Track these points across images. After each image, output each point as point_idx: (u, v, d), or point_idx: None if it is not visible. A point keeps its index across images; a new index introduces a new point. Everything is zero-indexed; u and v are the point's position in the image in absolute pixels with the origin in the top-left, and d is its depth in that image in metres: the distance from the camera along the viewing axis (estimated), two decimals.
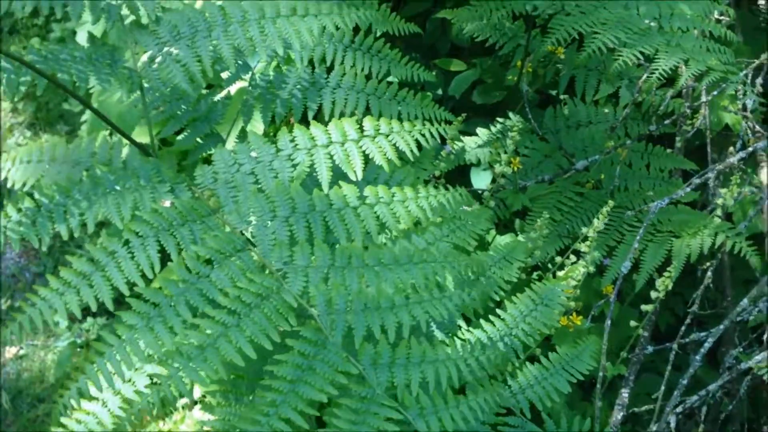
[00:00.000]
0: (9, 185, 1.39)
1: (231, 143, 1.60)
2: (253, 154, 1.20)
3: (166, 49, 1.24)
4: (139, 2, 1.24)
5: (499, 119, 2.03)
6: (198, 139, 1.52)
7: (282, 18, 1.24)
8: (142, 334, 0.97)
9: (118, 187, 1.13)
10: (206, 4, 1.26)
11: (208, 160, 1.50)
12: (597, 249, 1.74)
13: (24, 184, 1.39)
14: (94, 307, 1.01)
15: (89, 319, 2.25)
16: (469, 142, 2.01)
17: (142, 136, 1.91)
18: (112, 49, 1.22)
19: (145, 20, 1.33)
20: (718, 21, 1.84)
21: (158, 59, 1.25)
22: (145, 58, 1.36)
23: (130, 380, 1.21)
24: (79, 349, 2.12)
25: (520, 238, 2.01)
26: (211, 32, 1.23)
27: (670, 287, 1.47)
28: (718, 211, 1.68)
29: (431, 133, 1.28)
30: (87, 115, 2.04)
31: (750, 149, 1.64)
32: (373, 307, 1.02)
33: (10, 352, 2.18)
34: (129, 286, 1.04)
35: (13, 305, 2.24)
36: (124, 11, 1.24)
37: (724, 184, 1.86)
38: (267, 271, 1.06)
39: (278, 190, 1.14)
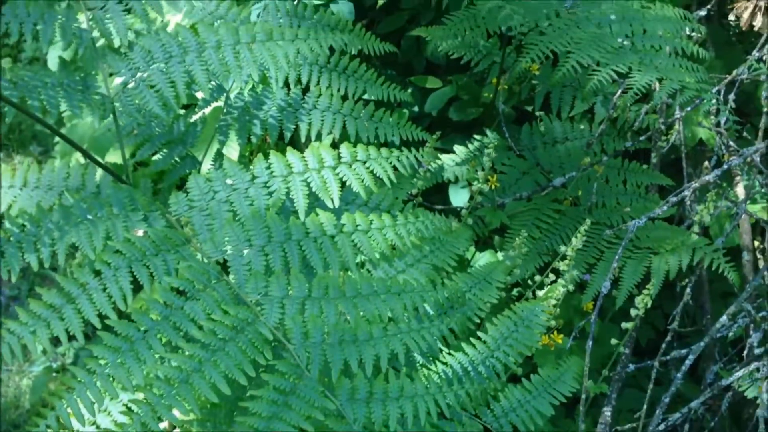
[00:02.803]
0: None
1: (207, 165, 1.58)
2: (229, 181, 1.18)
3: (139, 74, 1.22)
4: (111, 27, 1.23)
5: (476, 136, 2.03)
6: (173, 161, 1.50)
7: (258, 43, 1.23)
8: (113, 368, 0.95)
9: (90, 216, 1.10)
10: (180, 29, 1.25)
11: (182, 183, 1.49)
12: (576, 266, 1.74)
13: None
14: (64, 341, 0.99)
15: (65, 343, 2.20)
16: (446, 159, 2.01)
17: (116, 157, 1.89)
18: (85, 75, 1.20)
19: (117, 44, 1.32)
20: (690, 38, 1.86)
21: (131, 84, 1.23)
22: (117, 81, 1.35)
23: (105, 410, 1.19)
24: (54, 374, 2.08)
25: (499, 255, 2.01)
26: (185, 57, 1.22)
27: (649, 304, 1.48)
28: (696, 228, 1.69)
29: (408, 159, 1.28)
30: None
31: (725, 166, 1.65)
32: (350, 339, 1.00)
33: None
34: (100, 318, 1.02)
35: None
36: (96, 35, 1.22)
37: (700, 199, 1.88)
38: (242, 303, 1.04)
39: (254, 218, 1.13)
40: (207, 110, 1.60)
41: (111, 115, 1.23)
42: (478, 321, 1.48)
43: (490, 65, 2.08)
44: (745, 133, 2.13)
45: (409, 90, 2.25)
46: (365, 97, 1.65)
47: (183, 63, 1.21)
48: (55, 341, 1.02)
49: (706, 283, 2.03)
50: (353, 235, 1.15)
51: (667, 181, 1.95)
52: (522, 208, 1.94)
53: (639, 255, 1.78)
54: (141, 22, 1.29)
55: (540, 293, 1.66)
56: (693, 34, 1.85)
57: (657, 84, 1.79)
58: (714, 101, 1.65)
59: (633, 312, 1.53)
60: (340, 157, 1.24)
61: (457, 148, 2.02)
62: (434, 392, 1.00)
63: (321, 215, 1.16)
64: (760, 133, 1.87)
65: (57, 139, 2.05)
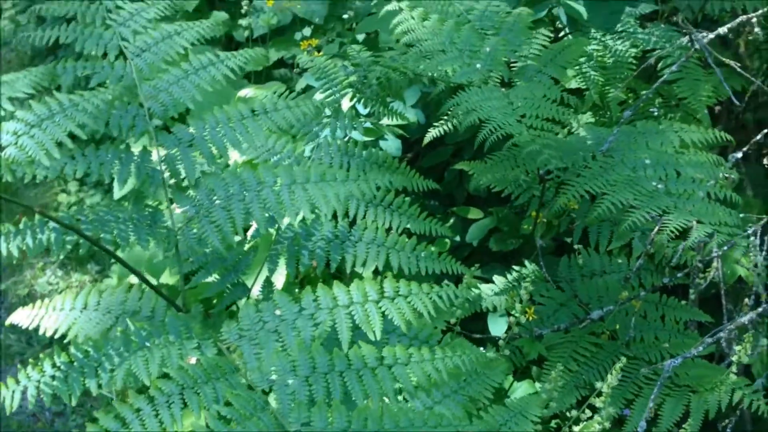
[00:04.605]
0: (41, 332, 1.45)
1: (255, 290, 1.67)
2: (278, 312, 1.26)
3: (202, 210, 1.33)
4: (180, 168, 1.35)
5: (515, 267, 2.09)
6: (225, 288, 1.59)
7: (311, 183, 1.34)
8: None
9: (148, 343, 1.18)
10: (242, 169, 1.37)
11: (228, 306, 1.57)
12: (614, 402, 1.74)
13: (56, 331, 1.46)
14: None
15: None
16: (485, 289, 2.07)
17: (170, 279, 1.99)
18: (154, 211, 1.32)
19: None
20: (726, 179, 1.92)
21: (194, 220, 1.34)
22: (178, 211, 1.46)
23: None
24: None
25: (537, 386, 2.02)
26: (244, 195, 1.33)
27: None
28: (734, 368, 1.69)
29: (447, 295, 1.34)
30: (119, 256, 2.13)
31: (759, 309, 1.67)
32: None
33: None
34: None
35: None
36: (167, 175, 1.35)
37: (741, 336, 1.88)
38: None
39: (300, 349, 1.19)
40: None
41: (174, 247, 1.33)
42: None
43: (529, 199, 2.16)
44: None
45: (451, 220, 2.34)
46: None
47: (243, 200, 1.32)
48: None
49: (749, 423, 1.99)
50: (393, 368, 1.21)
51: (706, 318, 1.96)
52: (559, 339, 1.96)
53: (678, 393, 1.77)
54: (206, 160, 1.42)
55: (576, 429, 1.67)
56: (729, 176, 1.91)
57: (695, 221, 1.84)
58: (747, 243, 1.69)
59: None
60: (383, 292, 1.32)
61: (496, 278, 2.08)
62: None
63: (363, 347, 1.22)
64: None
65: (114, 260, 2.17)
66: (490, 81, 1.89)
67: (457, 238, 2.32)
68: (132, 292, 1.46)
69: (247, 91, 2.09)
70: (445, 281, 1.53)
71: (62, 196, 2.49)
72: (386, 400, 1.21)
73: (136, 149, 1.37)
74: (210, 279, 1.60)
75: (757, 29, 2.13)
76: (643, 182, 1.71)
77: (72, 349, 1.17)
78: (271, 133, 1.63)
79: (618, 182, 1.71)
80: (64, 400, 1.10)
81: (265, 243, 1.77)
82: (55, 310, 1.42)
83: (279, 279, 1.88)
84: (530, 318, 1.86)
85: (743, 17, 2.02)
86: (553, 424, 1.89)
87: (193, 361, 1.19)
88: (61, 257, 2.26)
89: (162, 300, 1.41)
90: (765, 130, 2.04)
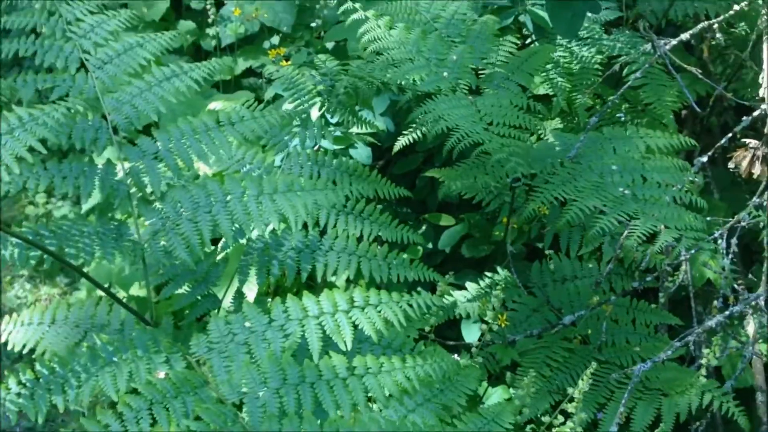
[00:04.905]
0: (9, 347, 1.43)
1: (227, 301, 1.66)
2: (247, 324, 1.25)
3: (169, 222, 1.32)
4: (146, 180, 1.34)
5: (487, 273, 2.10)
6: (196, 299, 1.58)
7: (279, 194, 1.34)
8: None
9: (115, 359, 1.17)
10: (208, 181, 1.36)
11: (202, 317, 1.56)
12: (587, 406, 1.75)
13: (24, 346, 1.43)
14: None
15: None
16: (458, 296, 2.07)
17: (140, 291, 1.96)
18: (119, 224, 1.30)
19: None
20: (692, 182, 1.94)
21: (161, 232, 1.33)
22: (147, 223, 1.45)
23: None
24: None
25: (512, 391, 2.03)
26: (211, 207, 1.32)
27: None
28: (703, 370, 1.71)
29: (418, 304, 1.34)
30: (88, 268, 2.10)
31: (727, 312, 1.69)
32: None
33: None
34: None
35: None
36: (133, 190, 1.34)
37: (709, 339, 1.90)
38: None
39: (270, 360, 1.19)
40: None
41: (141, 260, 1.32)
42: None
43: (500, 205, 2.17)
44: (754, 272, 2.17)
45: (424, 227, 2.34)
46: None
47: (209, 212, 1.32)
48: None
49: (721, 425, 2.02)
50: (364, 377, 1.20)
51: (676, 321, 1.98)
52: (533, 345, 1.97)
53: (649, 397, 1.79)
54: (171, 172, 1.41)
55: None
56: (693, 179, 1.93)
57: (663, 226, 1.86)
58: (713, 248, 1.72)
59: None
60: (353, 301, 1.31)
61: (468, 284, 2.08)
62: None
63: (334, 358, 1.21)
64: (764, 278, 1.91)
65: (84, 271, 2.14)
66: (458, 89, 1.90)
67: (430, 245, 2.33)
68: (101, 305, 1.44)
69: (216, 104, 2.08)
70: (419, 288, 1.54)
71: (30, 208, 2.46)
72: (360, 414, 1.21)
73: (100, 162, 1.35)
74: (180, 291, 1.59)
75: (718, 35, 2.16)
76: (610, 188, 1.73)
77: (38, 366, 1.15)
78: (241, 144, 1.62)
79: (586, 188, 1.73)
80: (30, 417, 1.08)
81: (236, 253, 1.76)
82: (23, 325, 1.40)
83: (252, 290, 1.86)
84: (503, 324, 1.87)
85: (705, 23, 2.06)
86: (528, 429, 1.89)
87: (161, 375, 1.17)
88: (25, 272, 2.23)
89: (132, 318, 1.40)
90: (729, 134, 2.07)
